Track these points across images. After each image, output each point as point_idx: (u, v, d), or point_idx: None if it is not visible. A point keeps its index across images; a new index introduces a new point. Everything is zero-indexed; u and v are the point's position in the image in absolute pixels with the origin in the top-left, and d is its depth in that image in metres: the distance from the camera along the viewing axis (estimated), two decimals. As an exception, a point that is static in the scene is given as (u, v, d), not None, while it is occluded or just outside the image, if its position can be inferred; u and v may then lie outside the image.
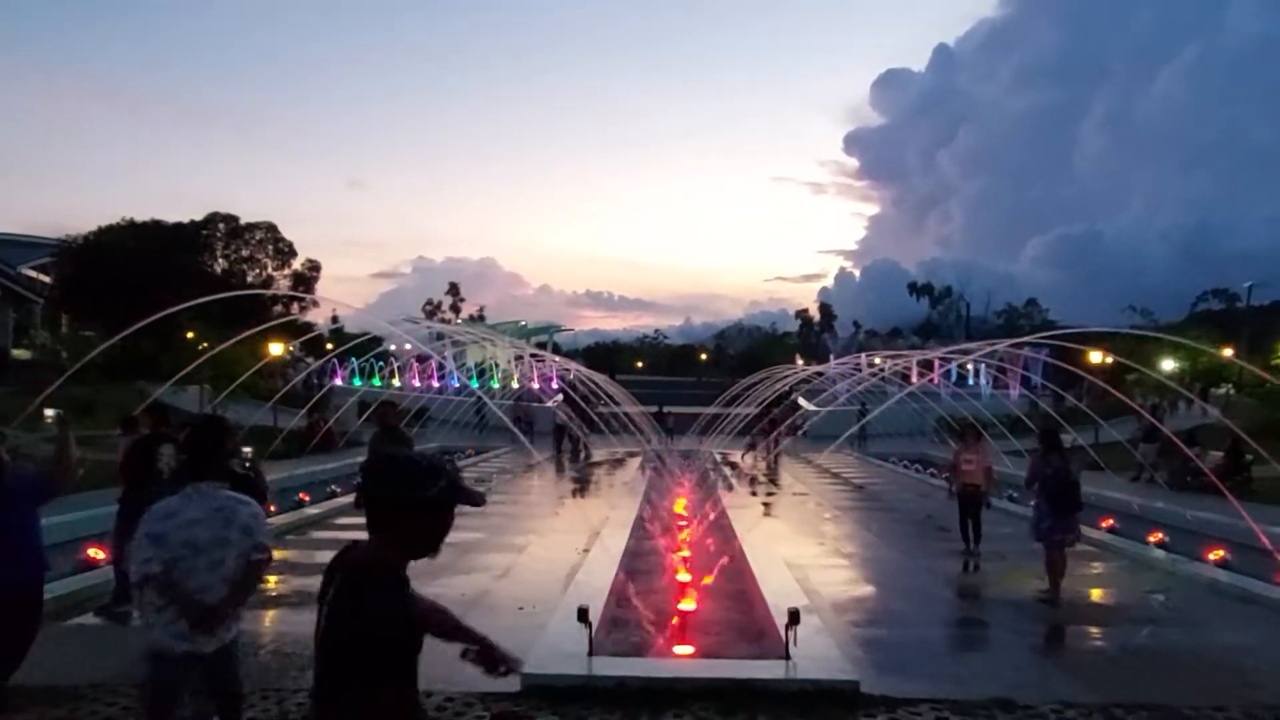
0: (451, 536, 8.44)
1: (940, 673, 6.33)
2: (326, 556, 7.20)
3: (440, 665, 6.25)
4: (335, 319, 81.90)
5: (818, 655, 6.08)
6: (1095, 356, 28.64)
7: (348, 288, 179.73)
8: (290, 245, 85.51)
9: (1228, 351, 53.21)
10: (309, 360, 39.68)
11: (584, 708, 5.37)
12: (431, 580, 8.91)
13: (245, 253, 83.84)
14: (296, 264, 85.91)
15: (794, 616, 6.11)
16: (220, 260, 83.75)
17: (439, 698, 5.56)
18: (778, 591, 7.78)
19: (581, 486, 18.93)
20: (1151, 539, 11.30)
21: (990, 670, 6.40)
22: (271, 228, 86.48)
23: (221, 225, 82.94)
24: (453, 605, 8.15)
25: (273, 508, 12.67)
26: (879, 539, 12.23)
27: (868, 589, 9.39)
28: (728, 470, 21.96)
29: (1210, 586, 9.19)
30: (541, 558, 10.39)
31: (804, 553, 10.92)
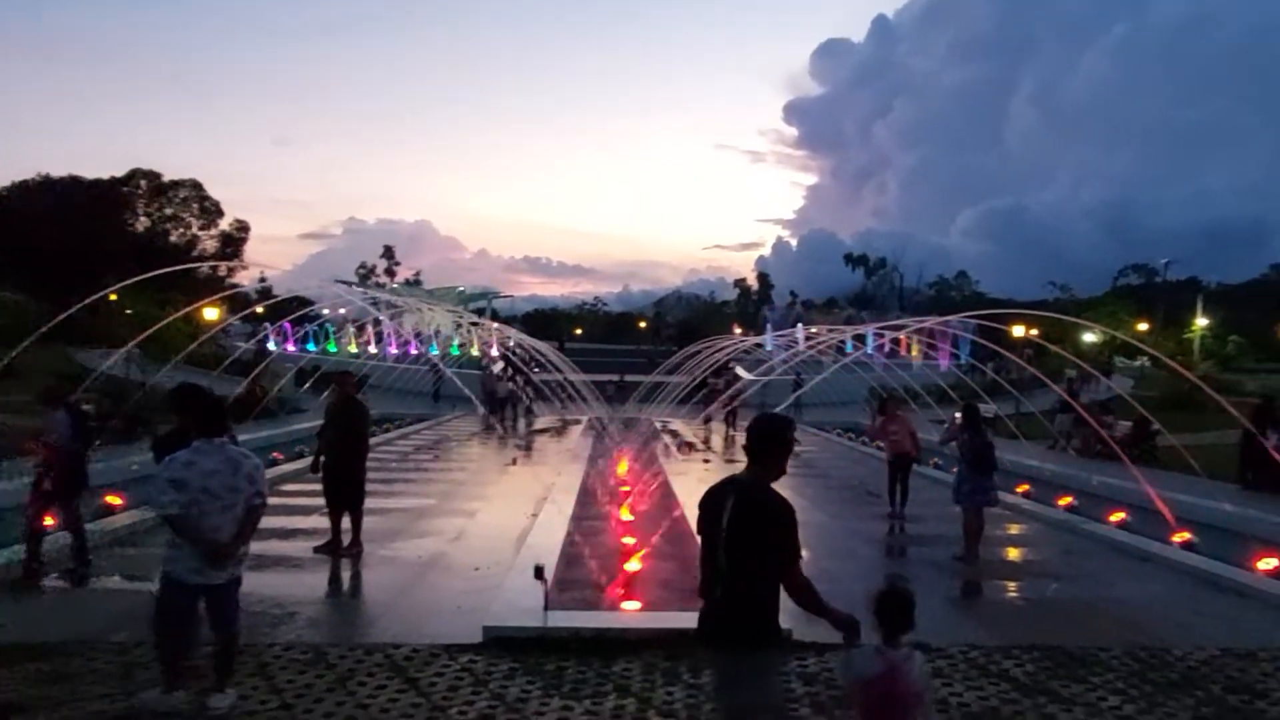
0: (403, 503, 9.04)
1: (864, 621, 6.92)
2: (272, 523, 7.68)
3: (406, 620, 6.67)
4: (263, 280, 79.83)
5: (756, 608, 6.61)
6: (1018, 331, 30.05)
7: (275, 249, 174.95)
8: (216, 204, 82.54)
9: (1143, 325, 55.97)
10: (235, 323, 38.74)
11: (541, 656, 5.80)
12: (387, 544, 9.27)
13: (169, 211, 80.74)
14: (224, 224, 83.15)
15: (734, 573, 6.62)
16: (142, 219, 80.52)
17: (406, 649, 5.92)
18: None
19: (528, 453, 19.27)
20: (1060, 503, 12.23)
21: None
22: (196, 185, 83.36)
23: (144, 182, 79.67)
24: (409, 567, 8.57)
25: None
26: (812, 504, 12.91)
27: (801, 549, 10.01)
28: (668, 437, 22.55)
29: (1110, 545, 10.07)
30: (493, 522, 10.74)
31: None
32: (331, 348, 40.51)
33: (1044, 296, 67.22)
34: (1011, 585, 8.68)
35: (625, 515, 11.02)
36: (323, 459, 8.86)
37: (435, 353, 35.87)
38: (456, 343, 41.95)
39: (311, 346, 38.52)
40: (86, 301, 13.55)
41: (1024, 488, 13.43)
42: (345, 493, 8.71)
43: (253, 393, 22.61)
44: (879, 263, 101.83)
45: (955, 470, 9.68)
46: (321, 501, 8.99)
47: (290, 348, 38.82)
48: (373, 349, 42.41)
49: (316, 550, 8.70)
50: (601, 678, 5.49)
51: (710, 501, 3.61)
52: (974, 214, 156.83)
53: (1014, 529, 11.26)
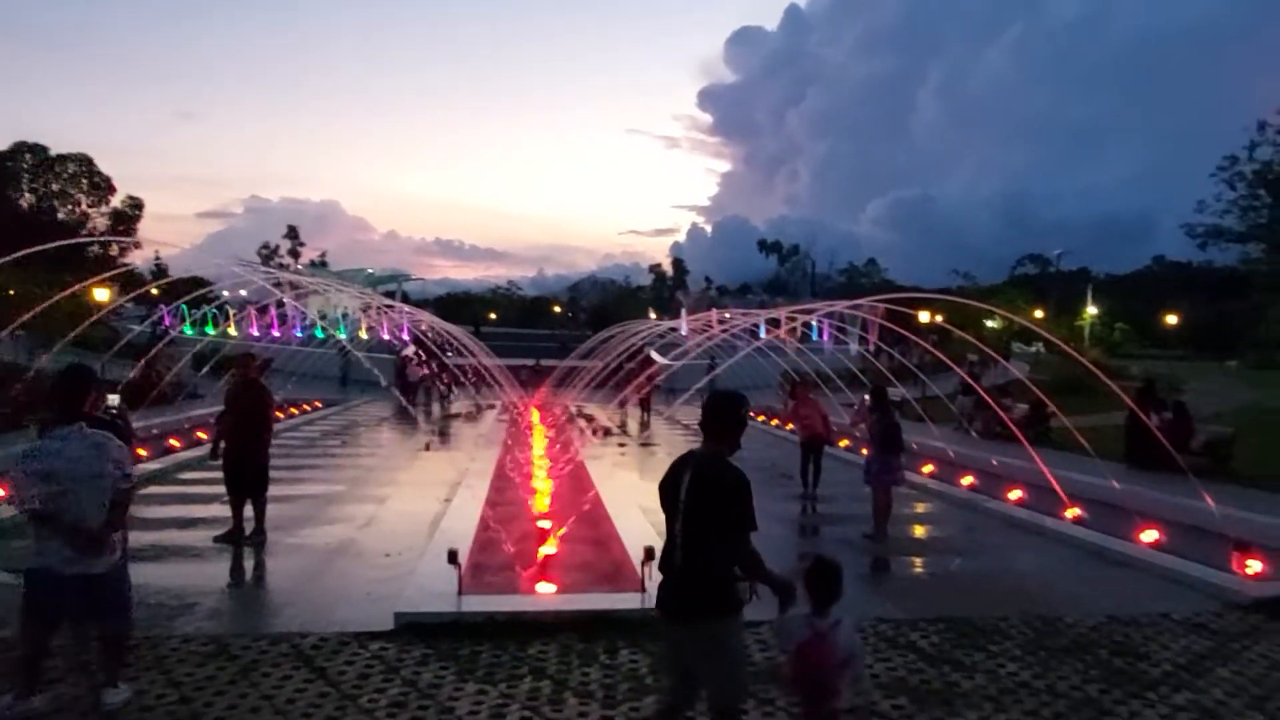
0: (310, 489, 8.73)
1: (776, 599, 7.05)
2: (169, 512, 7.42)
3: (313, 608, 6.44)
4: (158, 259, 75.76)
5: (672, 588, 6.63)
6: (924, 317, 31.12)
7: (173, 227, 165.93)
8: (108, 180, 77.88)
9: (1039, 313, 58.75)
10: (128, 305, 36.73)
11: (455, 641, 5.69)
12: (293, 531, 8.95)
13: (56, 187, 75.88)
14: (116, 200, 78.59)
15: (649, 554, 6.60)
16: (27, 194, 75.50)
17: (314, 638, 5.72)
18: (633, 533, 8.31)
19: (441, 439, 18.90)
20: (963, 482, 12.72)
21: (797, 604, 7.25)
22: (86, 160, 78.52)
23: (28, 156, 74.65)
24: (317, 554, 8.27)
25: (141, 452, 12.08)
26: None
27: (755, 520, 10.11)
28: (584, 422, 22.47)
29: (1008, 521, 10.52)
30: (404, 508, 10.48)
31: (657, 499, 11.56)
32: (210, 330, 38.88)
33: (948, 284, 69.81)
34: (918, 561, 8.98)
35: (540, 500, 10.94)
36: (223, 445, 8.46)
37: (344, 335, 34.76)
38: (346, 325, 40.77)
39: (189, 330, 36.83)
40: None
41: (929, 468, 13.92)
42: (248, 479, 8.35)
43: (147, 377, 21.48)
44: (792, 250, 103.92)
45: (864, 451, 9.93)
46: (222, 489, 8.59)
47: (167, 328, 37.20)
48: (276, 332, 40.88)
49: (217, 539, 8.32)
50: (517, 661, 5.43)
51: (670, 477, 3.79)
52: (882, 203, 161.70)
53: (920, 507, 11.65)
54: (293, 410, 21.17)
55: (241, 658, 5.39)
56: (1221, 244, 18.41)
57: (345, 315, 42.06)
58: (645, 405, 23.75)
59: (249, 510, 8.45)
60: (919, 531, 10.38)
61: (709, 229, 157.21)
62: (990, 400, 16.47)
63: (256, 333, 40.81)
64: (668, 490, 3.78)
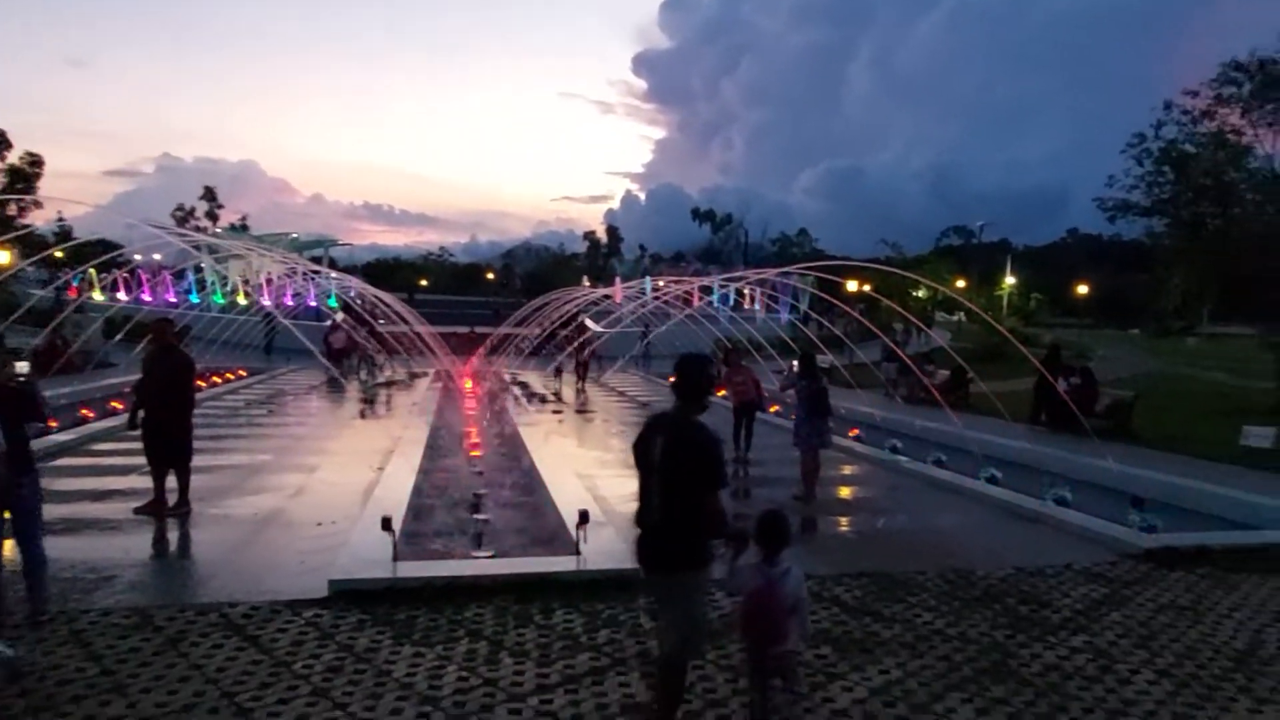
0: (235, 459, 8.63)
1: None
2: (83, 485, 7.33)
3: (243, 578, 6.37)
4: (61, 220, 71.96)
5: (605, 550, 6.77)
6: (852, 286, 31.82)
7: (76, 185, 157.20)
8: (2, 134, 73.50)
9: (960, 283, 60.56)
10: (29, 269, 34.91)
11: (391, 606, 5.71)
12: (218, 502, 8.78)
13: (-59, 142, 71.20)
14: (12, 157, 74.05)
15: (584, 517, 6.75)
16: (-89, 149, 70.63)
17: (244, 607, 5.67)
18: (569, 498, 8.40)
19: (372, 407, 18.62)
20: (887, 445, 13.18)
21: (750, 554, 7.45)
22: (-21, 113, 73.77)
23: (-89, 106, 69.78)
24: (244, 525, 8.15)
25: (53, 423, 11.55)
26: (660, 450, 13.28)
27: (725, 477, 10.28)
28: (517, 390, 22.41)
29: (928, 482, 10.97)
30: (336, 477, 10.34)
31: (592, 465, 11.69)
32: (98, 295, 37.39)
33: (877, 254, 71.30)
34: (844, 520, 9.31)
35: (475, 467, 10.94)
36: (141, 414, 8.20)
37: (220, 301, 33.71)
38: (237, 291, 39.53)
39: (124, 295, 35.31)
40: None
41: (855, 431, 14.36)
42: (168, 449, 8.12)
43: (54, 344, 20.53)
44: (725, 219, 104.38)
45: (794, 416, 10.20)
46: (140, 460, 8.35)
47: (170, 297, 35.68)
48: (195, 298, 39.36)
49: (137, 511, 8.09)
50: (454, 624, 5.48)
51: (643, 436, 3.98)
52: (814, 173, 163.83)
53: (847, 469, 12.04)
54: (215, 379, 20.52)
55: (167, 629, 5.31)
56: (1129, 218, 19.35)
57: (269, 280, 40.78)
58: (581, 373, 23.77)
59: (171, 481, 8.25)
60: (845, 492, 10.74)
61: (643, 196, 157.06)
62: (914, 366, 17.02)
63: (174, 299, 39.22)
64: (641, 449, 3.96)
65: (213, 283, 39.31)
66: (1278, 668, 5.17)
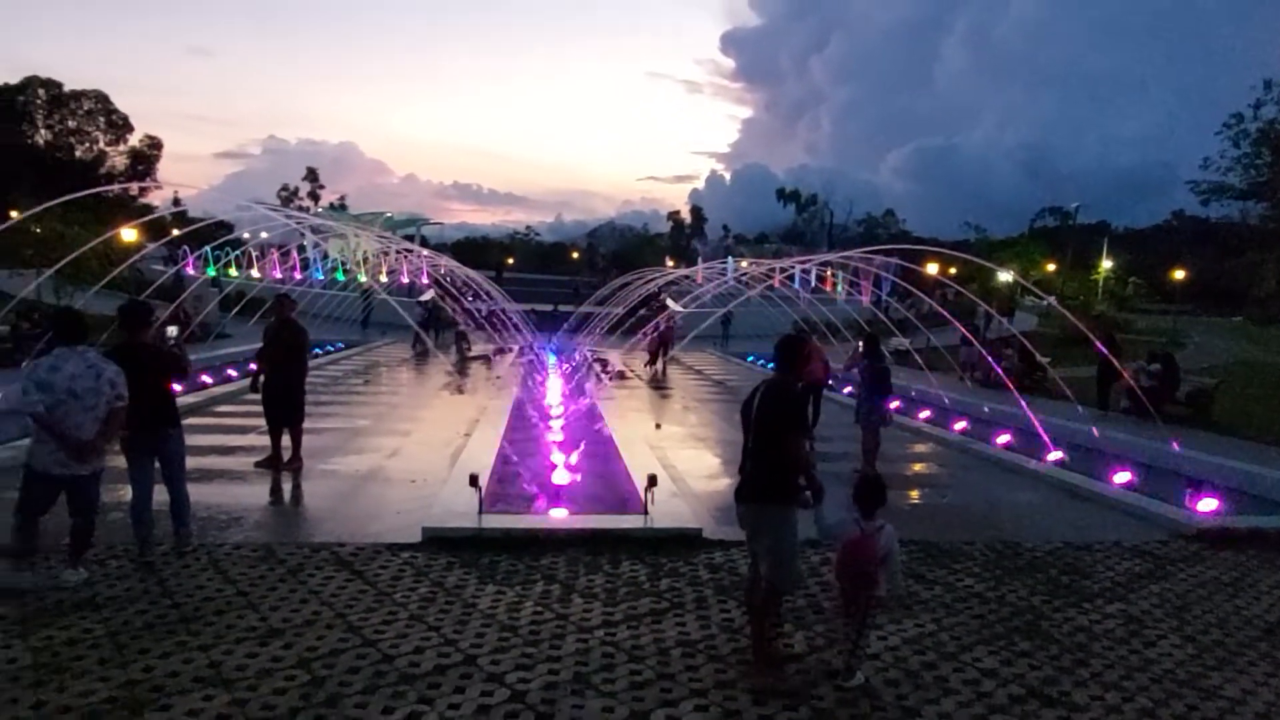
0: (337, 423, 9.70)
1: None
2: (210, 441, 8.40)
3: (348, 523, 7.21)
4: (177, 201, 76.34)
5: (670, 511, 7.37)
6: (933, 269, 31.42)
7: (190, 168, 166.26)
8: (125, 118, 78.27)
9: (1051, 267, 58.54)
10: (151, 247, 37.51)
11: (476, 552, 6.44)
12: (325, 459, 9.73)
13: (71, 124, 76.30)
14: (134, 139, 78.87)
15: (652, 480, 7.35)
16: (42, 131, 75.86)
17: (350, 547, 6.49)
18: (639, 463, 9.02)
19: (461, 379, 19.67)
20: (956, 426, 13.37)
21: (806, 524, 7.92)
22: (102, 97, 78.70)
23: (41, 91, 74.89)
24: (348, 479, 9.07)
25: (207, 380, 12.90)
26: (730, 425, 13.77)
27: (716, 464, 10.83)
28: (597, 366, 23.16)
29: (992, 462, 11.18)
30: (427, 441, 11.25)
31: (664, 436, 12.30)
32: (232, 272, 39.75)
33: (965, 236, 69.47)
34: (902, 495, 9.64)
35: (555, 435, 11.67)
36: (262, 378, 9.19)
37: (364, 280, 35.60)
38: (364, 270, 41.49)
39: (211, 271, 37.60)
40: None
41: (926, 413, 14.56)
42: (285, 410, 9.09)
43: (177, 317, 22.29)
44: (810, 199, 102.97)
45: (856, 394, 10.56)
46: (257, 421, 9.34)
47: (189, 270, 38.00)
48: (298, 274, 41.62)
49: (257, 465, 9.10)
50: (531, 569, 6.17)
51: (748, 400, 4.75)
52: (903, 152, 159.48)
53: (912, 448, 12.32)
54: (315, 351, 21.96)
55: (288, 561, 6.16)
56: (1224, 201, 18.65)
57: (365, 259, 42.71)
58: (664, 352, 23.76)
59: (285, 440, 9.22)
60: (907, 469, 11.04)
61: (728, 176, 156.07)
62: (984, 352, 16.99)
63: (279, 275, 41.54)
64: (746, 410, 4.73)
65: (333, 261, 41.51)
66: (1305, 640, 5.41)
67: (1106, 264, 64.43)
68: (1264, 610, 5.88)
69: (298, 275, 41.23)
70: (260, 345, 9.42)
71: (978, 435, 12.66)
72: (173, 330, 7.74)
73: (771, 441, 4.50)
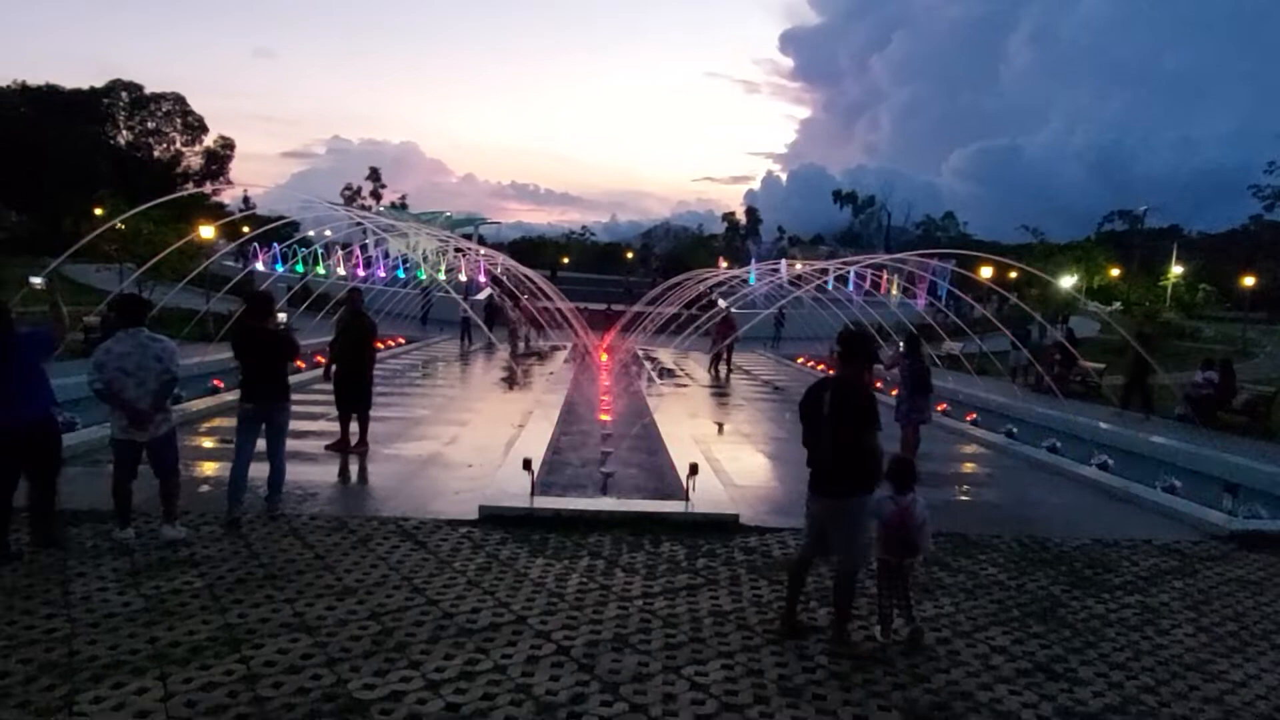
0: (399, 413, 10.56)
1: (800, 513, 8.12)
2: (223, 446, 8.59)
3: (411, 501, 7.79)
4: (247, 200, 79.24)
5: (710, 499, 7.81)
6: (988, 273, 31.11)
7: (257, 167, 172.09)
8: (200, 119, 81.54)
9: (1115, 271, 57.11)
10: (223, 243, 39.22)
11: (528, 529, 6.96)
12: (389, 445, 10.39)
13: (151, 125, 79.76)
14: (208, 140, 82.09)
15: (694, 469, 7.80)
16: (124, 132, 79.40)
17: (414, 521, 7.07)
18: (683, 455, 9.45)
19: (516, 374, 20.33)
20: (1003, 429, 13.48)
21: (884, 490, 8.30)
22: (179, 99, 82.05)
23: (124, 94, 78.46)
24: (411, 463, 9.74)
25: (300, 364, 13.86)
26: (773, 422, 14.12)
27: (757, 458, 11.19)
28: (648, 364, 23.64)
29: (1032, 463, 11.32)
30: (483, 430, 11.85)
31: (709, 431, 12.71)
32: (300, 268, 41.20)
33: (1020, 240, 68.11)
34: (938, 490, 9.88)
35: (604, 429, 12.18)
36: (334, 367, 9.88)
37: (423, 278, 36.84)
38: (426, 268, 42.75)
39: (279, 267, 39.09)
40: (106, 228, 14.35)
41: (972, 416, 14.69)
42: (355, 397, 9.76)
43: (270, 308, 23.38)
44: (867, 201, 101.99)
45: (896, 393, 10.81)
46: (325, 408, 10.01)
47: (258, 265, 39.64)
48: (361, 271, 43.05)
49: (328, 448, 9.78)
50: (578, 546, 6.66)
51: (811, 395, 5.07)
52: (966, 153, 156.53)
53: (954, 448, 12.50)
54: (378, 344, 22.86)
55: (358, 532, 6.76)
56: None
57: (425, 258, 43.96)
58: (726, 357, 22.73)
59: (353, 426, 9.89)
60: (946, 467, 11.25)
61: (784, 177, 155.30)
62: (1030, 358, 17.00)
63: (343, 272, 43.05)
64: (809, 405, 5.02)
65: (396, 259, 42.91)
66: (1319, 634, 5.60)
67: (1176, 269, 62.54)
68: (1283, 606, 6.06)
69: (360, 272, 42.65)
70: (331, 338, 10.11)
71: (1023, 439, 12.77)
72: (283, 316, 8.57)
73: (848, 438, 4.76)
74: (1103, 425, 12.73)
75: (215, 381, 13.44)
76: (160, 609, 5.01)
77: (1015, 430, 13.17)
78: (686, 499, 7.67)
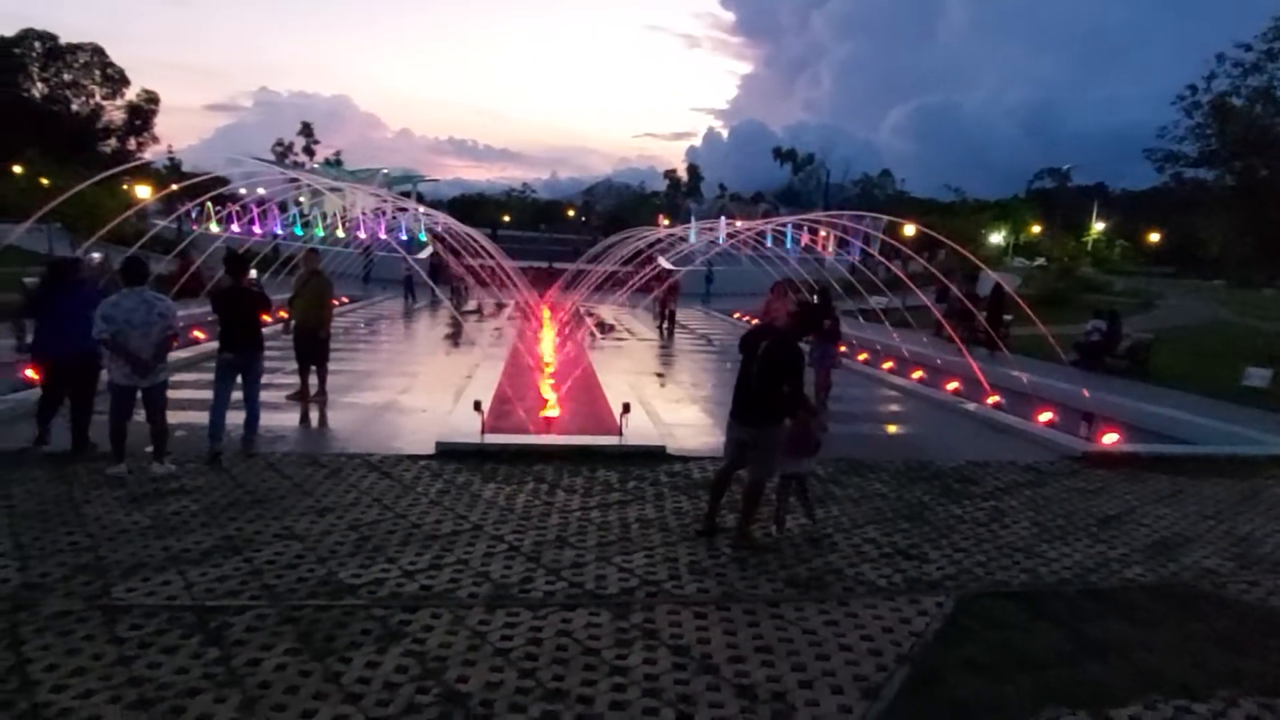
0: (350, 367, 11.67)
1: (719, 445, 9.26)
2: (189, 396, 9.79)
3: (373, 440, 8.65)
4: (172, 156, 76.68)
5: (641, 433, 8.85)
6: (910, 231, 32.69)
7: (180, 120, 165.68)
8: (121, 72, 78.35)
9: (1036, 228, 59.60)
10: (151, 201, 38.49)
11: (480, 461, 7.91)
12: (345, 394, 11.18)
13: (67, 77, 76.44)
14: (130, 94, 78.99)
15: (626, 408, 8.82)
16: (38, 84, 75.95)
17: (378, 456, 7.96)
18: (618, 399, 10.45)
19: (461, 330, 21.06)
20: (913, 375, 14.82)
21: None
22: (98, 50, 78.67)
23: (37, 44, 74.91)
24: (368, 409, 10.69)
25: (267, 319, 14.40)
26: (701, 369, 15.26)
27: (684, 399, 12.27)
28: (589, 319, 24.53)
29: (936, 403, 12.63)
30: (434, 380, 12.70)
31: (643, 378, 13.75)
32: (215, 226, 40.72)
33: (943, 197, 70.14)
34: (846, 427, 11.12)
35: (546, 375, 13.12)
36: (293, 323, 10.58)
37: (319, 234, 36.86)
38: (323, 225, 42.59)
39: (217, 226, 38.62)
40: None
41: (888, 363, 16.02)
42: (314, 351, 10.50)
43: (184, 269, 23.49)
44: (806, 159, 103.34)
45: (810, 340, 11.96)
46: (281, 363, 10.74)
47: (277, 230, 39.15)
48: (258, 229, 42.53)
49: (289, 398, 10.53)
50: (524, 474, 7.63)
51: (753, 335, 6.15)
52: (904, 111, 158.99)
53: (868, 391, 13.78)
54: (334, 302, 23.25)
55: (329, 466, 7.62)
56: (1177, 168, 19.88)
57: (324, 216, 43.67)
58: (669, 316, 22.89)
59: (312, 377, 10.64)
60: (855, 407, 12.51)
61: (726, 134, 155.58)
62: (937, 313, 18.39)
63: (280, 231, 42.59)
64: (748, 343, 6.07)
65: (314, 217, 42.52)
66: (1128, 525, 6.93)
67: (1098, 226, 65.52)
68: (1107, 507, 7.39)
69: (257, 230, 41.91)
70: (290, 295, 10.80)
71: (930, 382, 14.11)
72: (254, 274, 9.28)
73: (773, 381, 5.76)
74: (1001, 369, 14.14)
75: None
76: (165, 526, 5.85)
77: (925, 376, 14.52)
78: (620, 434, 8.69)
